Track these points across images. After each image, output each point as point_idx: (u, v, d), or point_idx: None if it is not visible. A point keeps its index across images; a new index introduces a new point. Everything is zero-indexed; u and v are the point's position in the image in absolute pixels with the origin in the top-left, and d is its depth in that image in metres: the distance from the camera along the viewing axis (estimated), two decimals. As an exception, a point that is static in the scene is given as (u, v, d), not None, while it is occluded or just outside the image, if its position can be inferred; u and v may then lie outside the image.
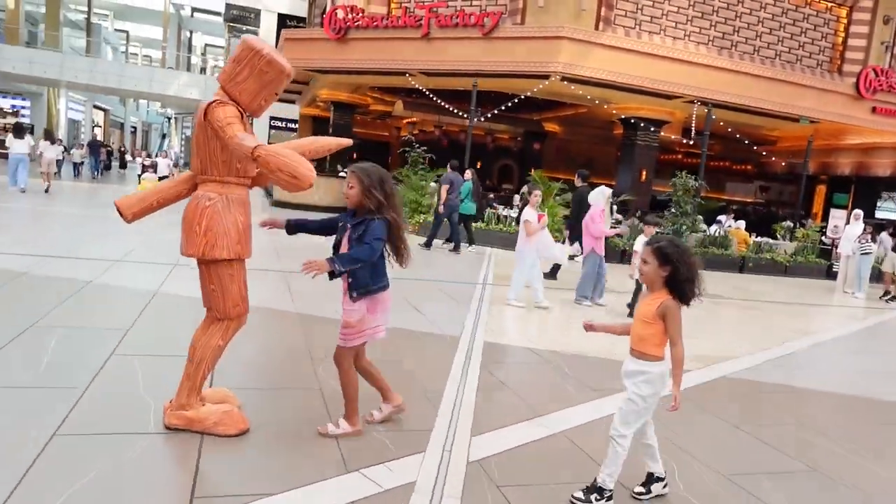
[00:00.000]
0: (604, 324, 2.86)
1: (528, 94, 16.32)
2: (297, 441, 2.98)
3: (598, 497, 2.60)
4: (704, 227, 14.09)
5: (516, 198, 16.14)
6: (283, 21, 28.49)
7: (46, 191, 14.16)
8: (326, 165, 22.18)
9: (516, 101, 16.40)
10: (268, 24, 28.41)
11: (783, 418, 4.11)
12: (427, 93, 17.56)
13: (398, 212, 2.96)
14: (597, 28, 15.99)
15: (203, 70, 41.50)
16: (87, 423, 2.88)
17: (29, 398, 3.08)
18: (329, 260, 2.78)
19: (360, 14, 17.97)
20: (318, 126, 27.97)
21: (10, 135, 13.66)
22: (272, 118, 29.73)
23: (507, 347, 5.13)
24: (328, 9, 19.23)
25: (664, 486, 2.78)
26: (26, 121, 31.51)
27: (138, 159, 22.34)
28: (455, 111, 16.69)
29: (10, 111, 32.64)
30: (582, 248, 7.65)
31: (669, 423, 3.76)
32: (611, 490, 2.62)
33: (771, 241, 14.57)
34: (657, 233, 6.84)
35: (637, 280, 6.77)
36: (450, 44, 16.39)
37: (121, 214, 2.95)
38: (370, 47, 17.59)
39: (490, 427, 3.37)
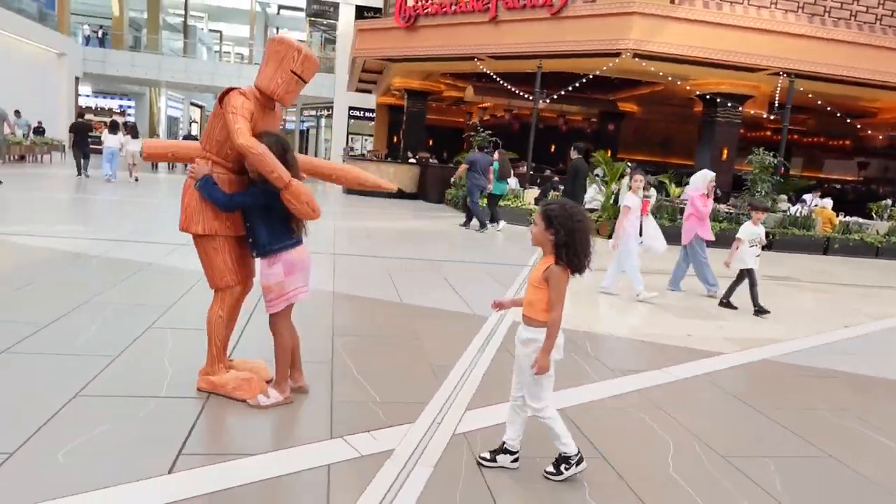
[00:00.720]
0: (512, 299, 2.80)
1: (598, 73, 15.90)
2: (294, 408, 3.13)
3: (567, 466, 2.59)
4: (786, 206, 13.26)
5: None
6: (361, 13, 29.08)
7: (108, 179, 15.21)
8: (399, 153, 22.58)
9: (584, 80, 16.01)
10: (346, 17, 29.08)
11: (815, 403, 3.87)
12: (495, 77, 17.47)
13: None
14: (673, 1, 15.32)
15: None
16: (108, 386, 3.16)
17: (64, 363, 3.41)
18: (207, 177, 2.97)
19: (429, 1, 18.11)
20: (393, 114, 28.46)
21: (105, 130, 14.96)
22: (350, 108, 30.60)
23: (535, 327, 5.09)
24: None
25: (513, 461, 2.65)
26: (131, 119, 34.07)
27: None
28: (523, 94, 16.50)
29: (118, 111, 35.41)
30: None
31: (683, 403, 3.64)
32: (576, 453, 2.60)
33: (861, 220, 13.49)
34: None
35: (740, 270, 6.28)
36: (517, 26, 16.22)
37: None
38: (439, 34, 17.72)
39: (489, 402, 3.40)
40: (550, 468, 2.62)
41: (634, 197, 6.54)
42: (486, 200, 12.07)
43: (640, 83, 20.26)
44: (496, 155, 12.02)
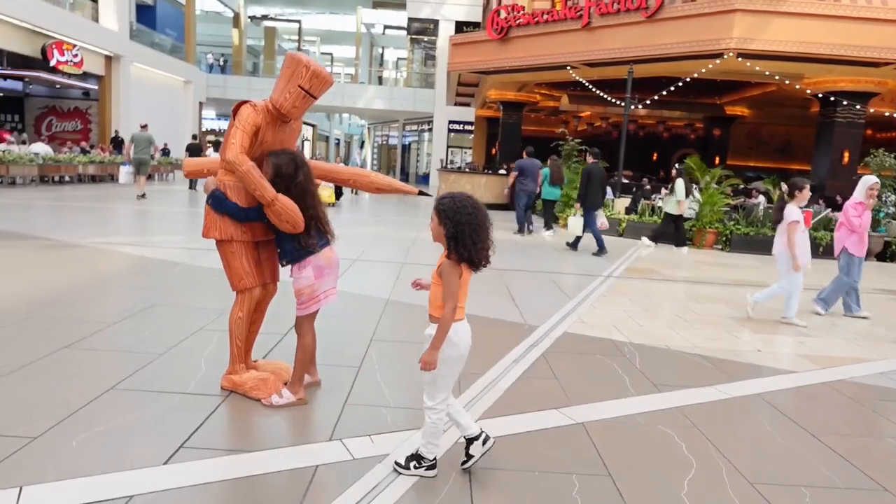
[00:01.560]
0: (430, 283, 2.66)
1: (697, 75, 15.13)
2: (306, 408, 3.18)
3: (418, 465, 2.55)
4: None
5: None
6: (461, 28, 29.52)
7: None
8: (495, 164, 22.59)
9: (680, 84, 15.28)
10: (446, 33, 29.62)
11: (890, 430, 3.41)
12: (588, 84, 17.10)
13: (303, 194, 3.08)
14: (782, -6, 14.38)
15: (394, 81, 44.51)
16: (143, 382, 3.37)
17: (113, 359, 3.68)
18: (216, 192, 3.12)
19: (521, 12, 18.10)
20: (491, 126, 28.64)
21: (210, 148, 16.22)
22: (450, 121, 31.08)
23: (587, 338, 4.88)
24: (491, 10, 19.65)
25: (484, 443, 2.57)
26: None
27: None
28: (615, 101, 16.01)
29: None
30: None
31: (723, 423, 3.33)
32: (431, 460, 2.55)
33: None
34: None
35: None
36: (611, 31, 15.83)
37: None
38: (531, 44, 17.66)
39: (508, 412, 3.29)
40: (402, 460, 2.58)
41: (797, 209, 5.70)
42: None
43: (748, 84, 19.09)
44: (549, 161, 12.16)
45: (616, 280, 7.57)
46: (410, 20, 31.70)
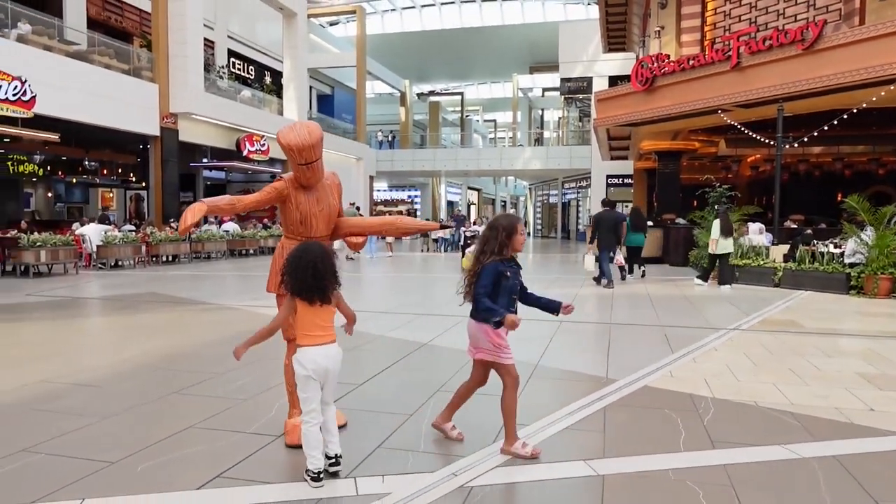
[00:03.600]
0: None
1: (864, 105, 13.61)
2: (343, 448, 3.46)
3: (307, 476, 2.97)
4: None
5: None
6: (615, 83, 29.47)
7: (371, 258, 17.68)
8: (653, 216, 21.70)
9: (845, 116, 13.81)
10: (600, 89, 29.70)
11: None
12: (740, 127, 16.10)
13: None
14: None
15: (555, 140, 45.15)
16: (218, 422, 3.90)
17: (204, 403, 4.28)
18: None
19: (666, 60, 17.76)
20: (651, 177, 27.67)
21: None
22: (608, 176, 30.71)
23: (665, 392, 4.62)
24: (635, 62, 19.48)
25: (331, 465, 3.05)
26: (418, 207, 39.13)
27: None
28: (766, 141, 14.86)
29: (408, 200, 41.04)
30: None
31: (770, 485, 3.02)
32: (314, 472, 2.93)
33: None
34: None
35: None
36: (763, 69, 14.95)
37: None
38: (677, 91, 17.18)
39: (531, 461, 3.29)
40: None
41: None
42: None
43: (947, 108, 16.65)
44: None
45: (740, 333, 6.97)
46: (563, 80, 32.30)
